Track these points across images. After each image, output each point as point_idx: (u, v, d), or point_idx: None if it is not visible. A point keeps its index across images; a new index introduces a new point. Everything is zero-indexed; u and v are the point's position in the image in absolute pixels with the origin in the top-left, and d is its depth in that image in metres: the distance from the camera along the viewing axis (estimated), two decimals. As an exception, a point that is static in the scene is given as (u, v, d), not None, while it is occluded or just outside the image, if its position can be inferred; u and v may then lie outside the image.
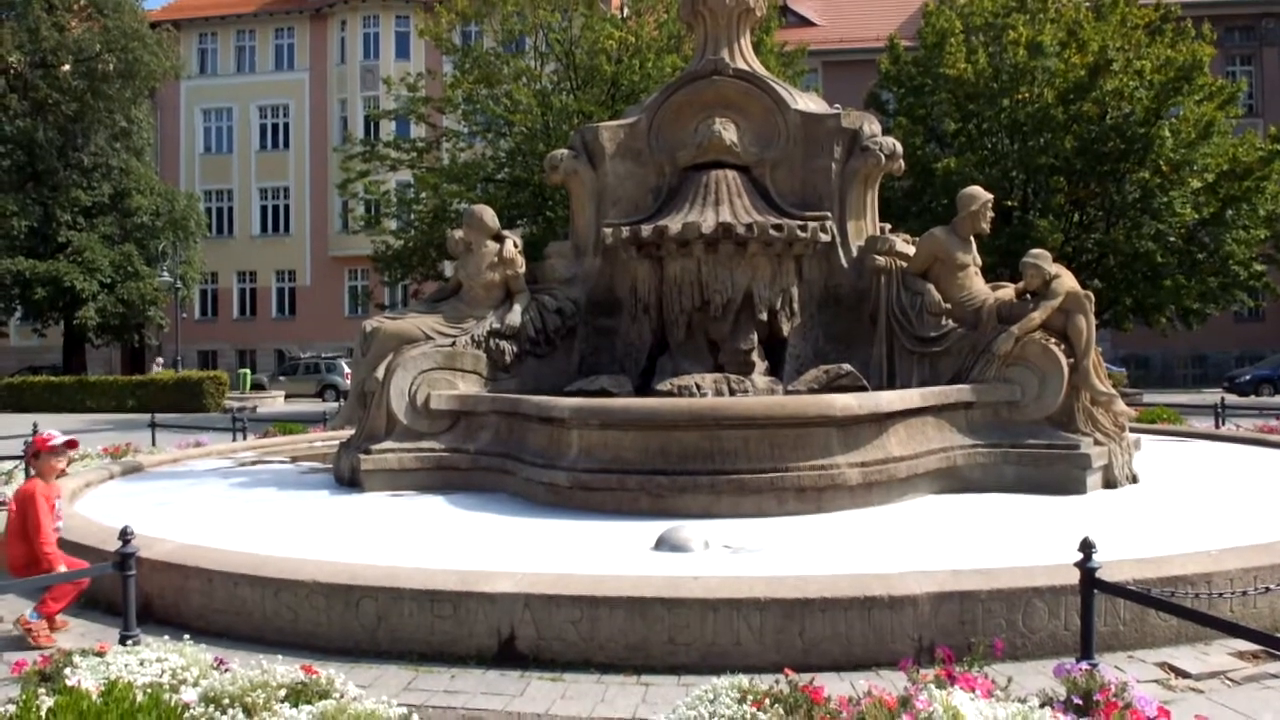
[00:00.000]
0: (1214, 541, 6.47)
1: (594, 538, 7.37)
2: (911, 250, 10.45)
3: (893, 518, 8.11)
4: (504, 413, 9.79)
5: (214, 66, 51.47)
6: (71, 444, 6.92)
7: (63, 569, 6.18)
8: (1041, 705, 4.11)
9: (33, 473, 6.84)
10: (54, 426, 19.63)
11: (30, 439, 6.68)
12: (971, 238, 10.33)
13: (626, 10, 28.07)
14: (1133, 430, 10.89)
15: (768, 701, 4.13)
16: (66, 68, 37.46)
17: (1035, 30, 26.35)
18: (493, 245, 10.72)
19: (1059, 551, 5.73)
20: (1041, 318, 9.51)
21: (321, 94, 49.67)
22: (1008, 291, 10.19)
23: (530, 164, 24.94)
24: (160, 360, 39.94)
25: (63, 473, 6.86)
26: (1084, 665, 4.54)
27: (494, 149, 27.87)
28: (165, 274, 38.46)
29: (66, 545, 7.27)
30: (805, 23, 44.83)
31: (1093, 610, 4.98)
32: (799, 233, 10.11)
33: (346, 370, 34.78)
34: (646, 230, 10.21)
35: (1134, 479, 9.68)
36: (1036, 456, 9.25)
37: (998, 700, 4.09)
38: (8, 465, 12.21)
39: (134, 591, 5.53)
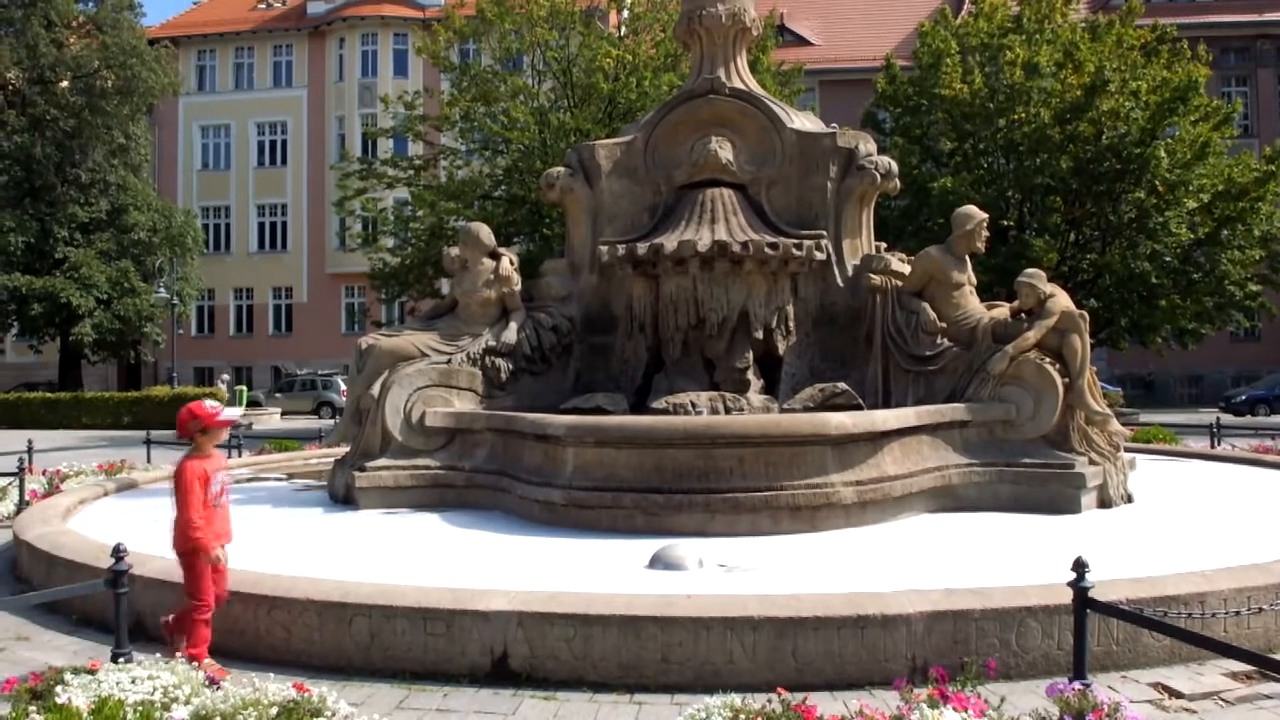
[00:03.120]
0: (1208, 561, 6.47)
1: (588, 556, 7.36)
2: (907, 269, 10.47)
3: (887, 537, 8.10)
4: (499, 430, 9.78)
5: (212, 83, 51.59)
6: (232, 422, 6.21)
7: (219, 555, 5.56)
8: (1034, 725, 4.11)
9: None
10: (49, 443, 19.58)
11: (188, 408, 5.82)
12: (967, 257, 10.36)
13: (624, 29, 28.20)
14: (1128, 450, 10.89)
15: (760, 720, 4.13)
16: (65, 84, 37.56)
17: (1031, 51, 26.50)
18: (489, 263, 10.74)
19: (1053, 571, 5.73)
20: (1036, 337, 9.53)
21: (319, 111, 49.79)
22: (1003, 310, 10.21)
23: (527, 181, 25.00)
24: (175, 376, 39.86)
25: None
26: (1077, 685, 4.54)
27: (491, 166, 27.94)
28: (162, 290, 38.43)
29: (57, 563, 7.27)
30: (802, 42, 45.02)
31: (1085, 630, 4.98)
32: (794, 251, 10.14)
33: (343, 387, 34.72)
34: (642, 248, 10.24)
35: (1129, 498, 9.68)
36: (1031, 475, 9.25)
37: (990, 720, 4.09)
38: (2, 482, 12.16)
39: (126, 609, 5.51)
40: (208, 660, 5.44)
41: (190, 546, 5.53)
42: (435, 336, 10.54)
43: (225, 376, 43.55)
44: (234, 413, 6.24)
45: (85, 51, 37.87)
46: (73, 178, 37.78)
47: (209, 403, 6.02)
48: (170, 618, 5.80)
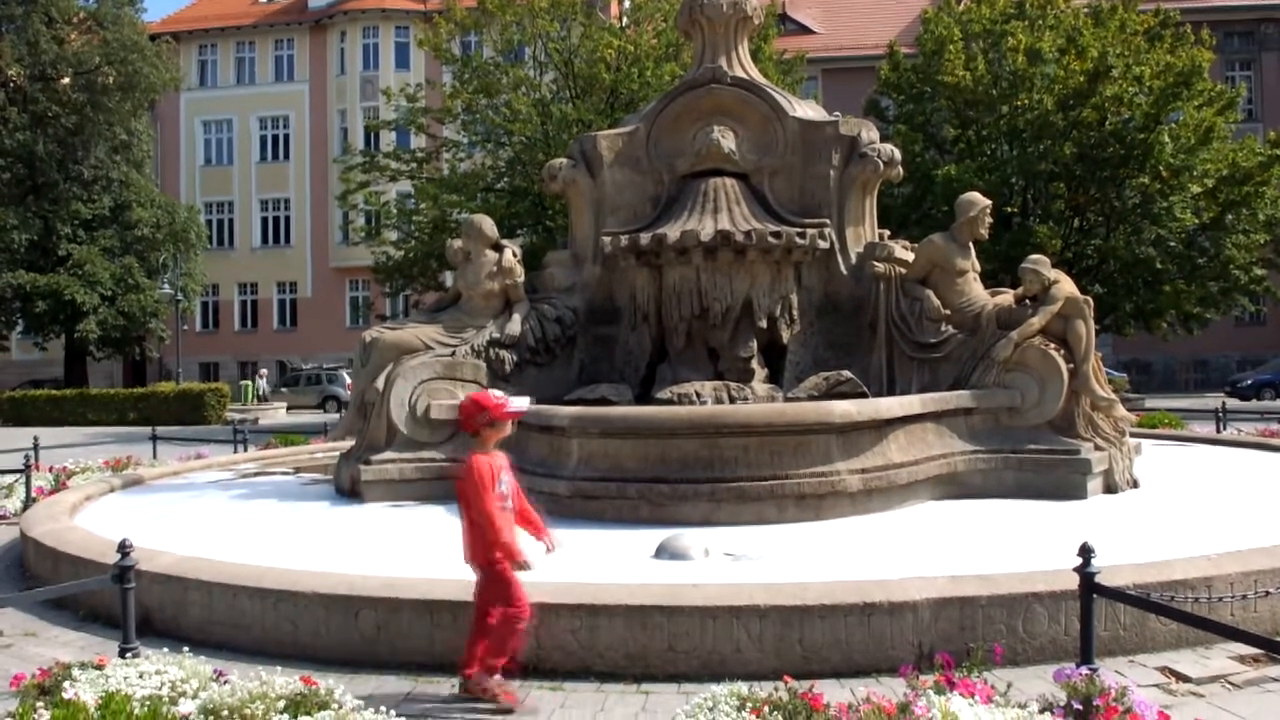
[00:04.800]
0: (1214, 546, 6.45)
1: (594, 546, 7.35)
2: (910, 257, 10.45)
3: (893, 524, 8.10)
4: (504, 422, 9.76)
5: (214, 78, 51.57)
6: (522, 414, 5.61)
7: (528, 563, 5.07)
8: (1041, 710, 4.11)
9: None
10: (55, 440, 19.64)
11: (473, 399, 5.31)
12: (970, 244, 10.33)
13: (625, 19, 28.13)
14: (1133, 435, 10.88)
15: (767, 709, 4.13)
16: (66, 80, 37.54)
17: (1034, 37, 26.39)
18: (492, 255, 10.73)
19: (1059, 557, 5.72)
20: (1041, 323, 9.51)
21: (321, 105, 49.76)
22: (1007, 297, 10.19)
23: (530, 173, 24.97)
24: (180, 372, 39.97)
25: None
26: (1084, 670, 4.53)
27: (493, 159, 27.92)
28: (166, 286, 38.47)
29: (63, 559, 7.29)
30: (804, 30, 44.86)
31: (1092, 615, 4.97)
32: (797, 240, 10.12)
33: (348, 381, 34.79)
34: (645, 238, 10.22)
35: (1135, 484, 9.67)
36: (1037, 462, 9.24)
37: (997, 706, 4.09)
38: (8, 479, 12.20)
39: (133, 604, 5.52)
40: (497, 678, 5.00)
41: (494, 556, 5.02)
42: (439, 329, 10.54)
43: (264, 371, 43.52)
44: (522, 404, 5.60)
45: (86, 48, 37.85)
46: (75, 174, 37.79)
47: (495, 393, 5.50)
48: (472, 671, 5.04)
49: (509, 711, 4.87)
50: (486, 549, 5.03)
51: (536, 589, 5.65)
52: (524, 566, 5.03)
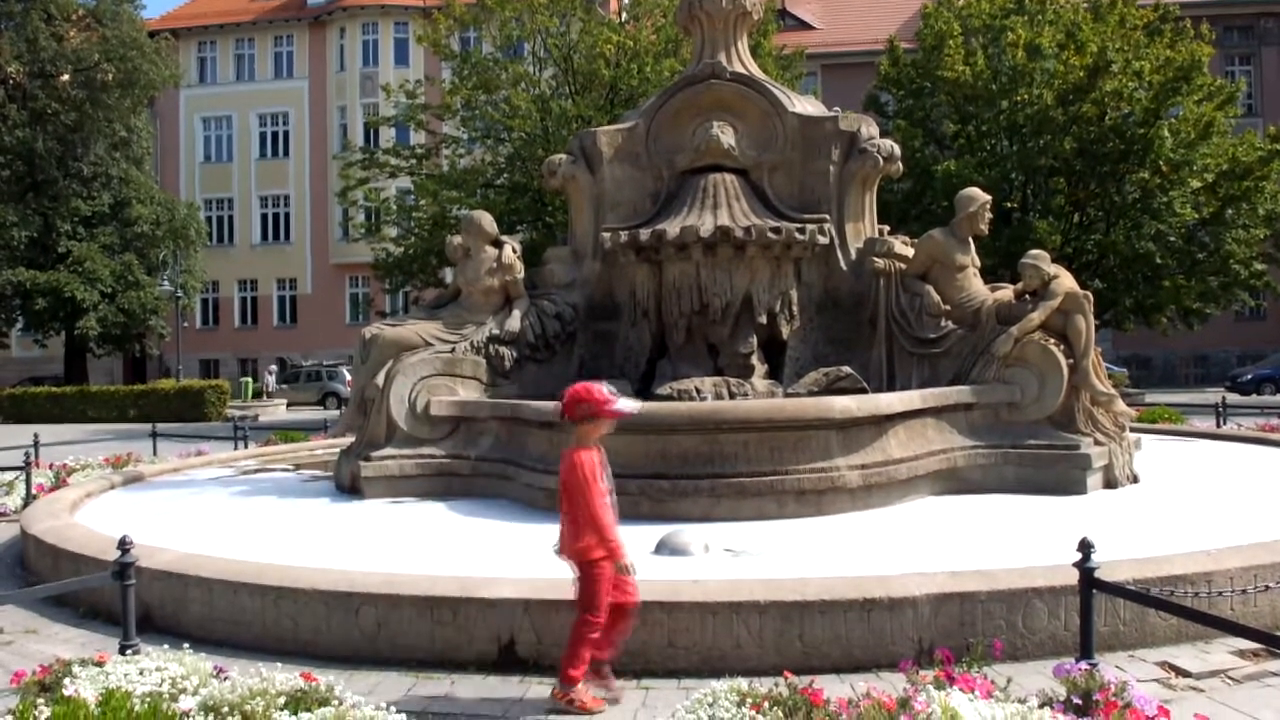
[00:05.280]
0: (1214, 540, 6.46)
1: (594, 542, 7.35)
2: (910, 252, 10.45)
3: (893, 520, 8.10)
4: (504, 418, 9.78)
5: (213, 75, 51.52)
6: (626, 415, 5.32)
7: (630, 565, 4.92)
8: (1041, 705, 4.11)
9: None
10: (55, 437, 19.64)
11: (579, 390, 5.13)
12: (970, 239, 10.33)
13: (624, 15, 28.11)
14: (1133, 430, 10.88)
15: (767, 705, 4.13)
16: (65, 77, 37.49)
17: (1034, 32, 26.38)
18: (491, 251, 10.73)
19: (1059, 552, 5.72)
20: (1040, 318, 9.51)
21: (321, 101, 49.71)
22: (1007, 293, 10.18)
23: (529, 169, 24.97)
24: (180, 369, 39.94)
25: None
26: (1083, 665, 4.53)
27: (493, 155, 27.91)
28: (166, 283, 38.44)
29: (64, 556, 7.30)
30: (803, 26, 44.82)
31: (1092, 610, 4.97)
32: (797, 235, 10.12)
33: (348, 378, 34.79)
34: (645, 234, 10.22)
35: (1135, 479, 9.67)
36: (1037, 457, 9.24)
37: (997, 701, 4.09)
38: (9, 476, 12.20)
39: (133, 601, 5.53)
40: (581, 686, 4.82)
41: (595, 555, 4.86)
42: (439, 325, 10.54)
43: (273, 368, 43.47)
44: (631, 406, 5.43)
45: (85, 45, 37.79)
46: (75, 171, 37.77)
47: (604, 386, 5.31)
48: (563, 692, 4.86)
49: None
50: (585, 545, 4.90)
51: (536, 586, 5.67)
52: (627, 570, 4.91)
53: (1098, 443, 9.36)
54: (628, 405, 5.33)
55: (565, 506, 5.07)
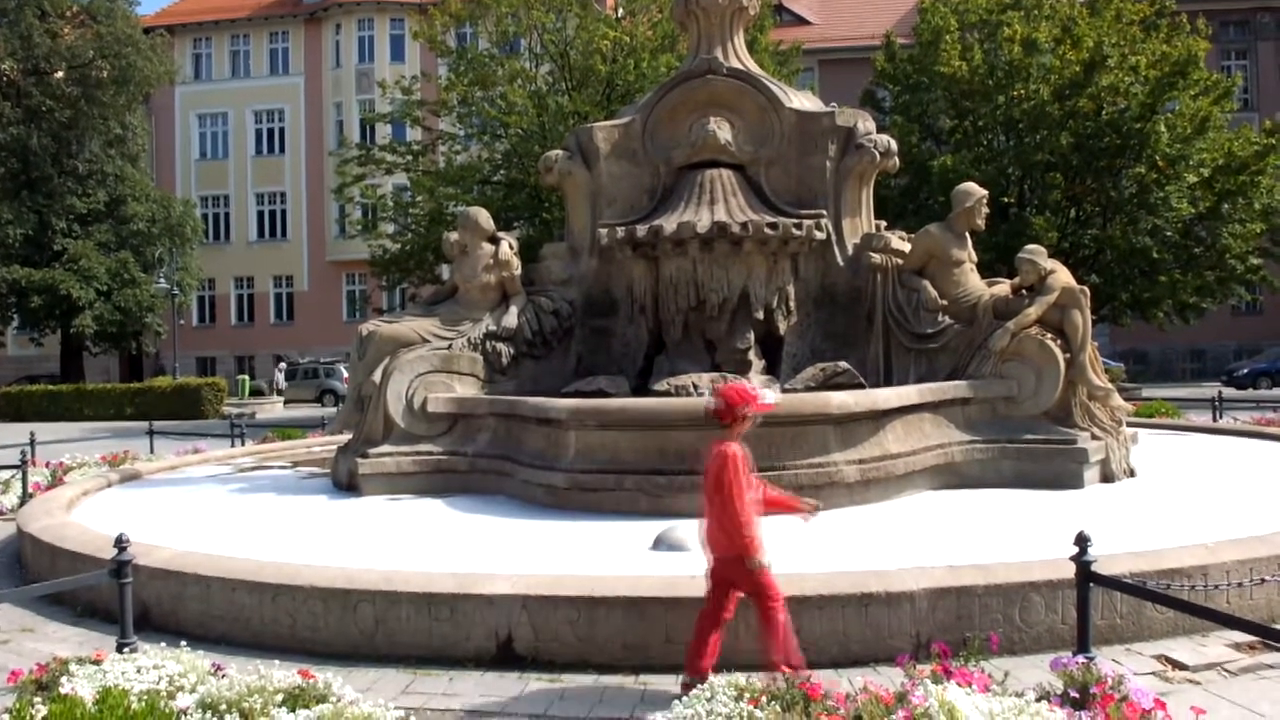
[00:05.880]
0: (1211, 534, 6.47)
1: (592, 538, 7.37)
2: (907, 247, 10.45)
3: (890, 514, 8.11)
4: (501, 415, 9.78)
5: (208, 71, 51.36)
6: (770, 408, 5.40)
7: (764, 562, 4.87)
8: (1038, 699, 4.11)
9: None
10: (52, 435, 19.60)
11: (737, 390, 5.11)
12: (967, 234, 10.34)
13: (620, 10, 28.05)
14: (1130, 424, 10.89)
15: (764, 699, 4.14)
16: (60, 74, 37.39)
17: (1030, 27, 26.35)
18: (488, 247, 10.72)
19: (1056, 546, 5.73)
20: (1037, 313, 9.52)
21: (317, 98, 49.59)
22: (1003, 288, 10.20)
23: (526, 166, 24.92)
24: (177, 367, 39.79)
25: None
26: (1081, 659, 4.55)
27: (490, 151, 27.85)
28: (162, 281, 38.35)
29: (60, 555, 7.28)
30: (800, 21, 44.76)
31: (1089, 604, 4.98)
32: (794, 231, 10.11)
33: (345, 375, 34.75)
34: (642, 230, 10.21)
35: (1131, 473, 9.69)
36: (1034, 451, 9.25)
37: (994, 694, 4.10)
38: (5, 474, 12.18)
39: (130, 599, 5.52)
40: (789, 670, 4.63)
41: (739, 551, 4.89)
42: (436, 322, 10.53)
43: (282, 365, 43.28)
44: (773, 398, 5.51)
45: (80, 41, 37.68)
46: (70, 169, 37.66)
47: (747, 382, 5.41)
48: (707, 664, 4.82)
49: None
50: (730, 545, 4.92)
51: (533, 582, 5.67)
52: (758, 565, 4.87)
53: (1094, 437, 9.38)
54: (771, 397, 5.38)
55: (710, 497, 5.06)
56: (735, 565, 4.90)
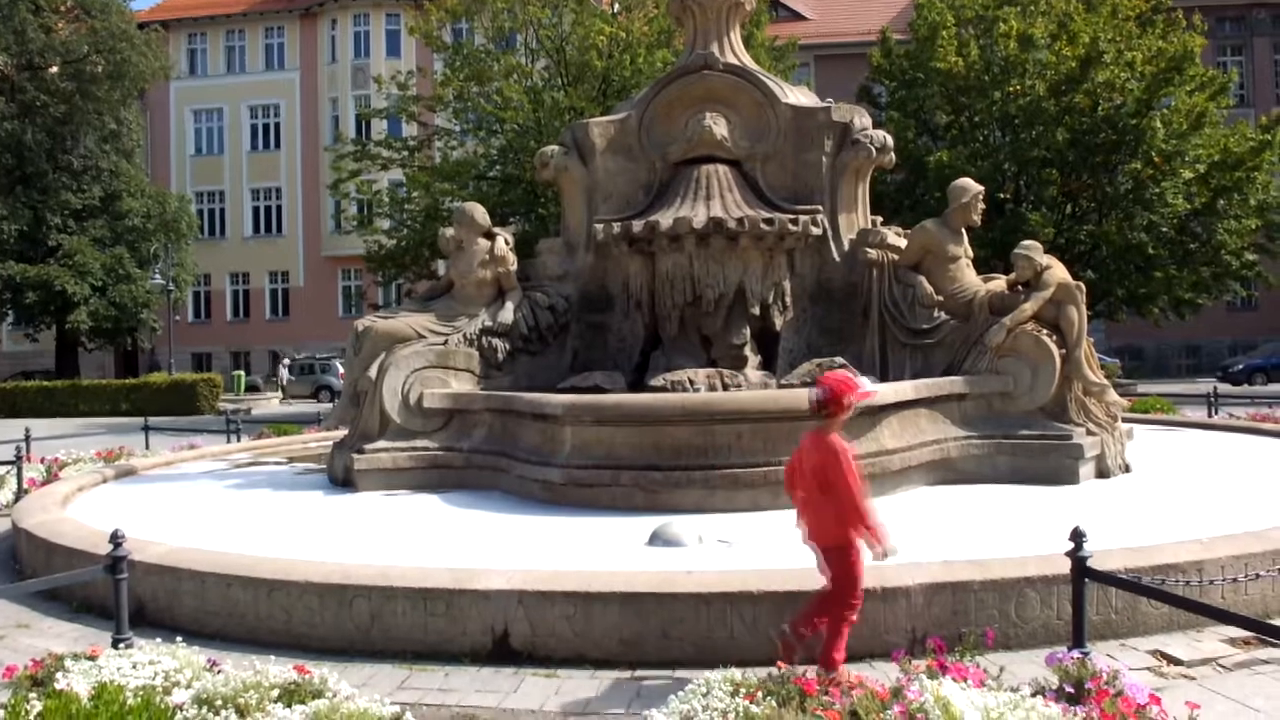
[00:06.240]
0: (1206, 529, 6.48)
1: (588, 534, 7.37)
2: (903, 243, 10.46)
3: (886, 510, 8.04)
4: (497, 410, 9.78)
5: (203, 67, 51.28)
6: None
7: (889, 548, 4.88)
8: (1033, 694, 4.12)
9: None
10: (47, 431, 19.57)
11: (844, 382, 5.05)
12: (963, 230, 10.33)
13: (616, 6, 28.02)
14: (1126, 420, 10.90)
15: (760, 694, 4.14)
16: (54, 69, 37.30)
17: (1026, 23, 26.38)
18: (484, 243, 10.71)
19: (1051, 541, 5.73)
20: (1033, 309, 9.52)
21: (312, 93, 49.54)
22: (999, 283, 10.20)
23: (522, 161, 24.91)
24: (173, 362, 39.63)
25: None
26: (1076, 654, 4.55)
27: (485, 147, 27.84)
28: (157, 276, 38.29)
29: (56, 551, 7.27)
30: (796, 17, 44.75)
31: (1084, 599, 4.99)
32: (790, 226, 10.11)
33: (341, 370, 34.70)
34: (638, 226, 10.21)
35: (1127, 468, 9.70)
36: (1029, 447, 9.26)
37: (989, 689, 4.10)
38: (0, 470, 12.16)
39: (126, 595, 5.51)
40: (843, 669, 4.67)
41: (849, 539, 4.84)
42: (432, 318, 10.52)
43: (286, 361, 43.11)
44: (872, 386, 5.58)
45: (74, 36, 37.58)
46: (65, 164, 37.58)
47: (848, 372, 5.48)
48: (791, 626, 4.92)
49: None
50: (840, 529, 4.86)
51: (529, 577, 5.66)
52: (888, 552, 4.89)
53: (1090, 433, 9.39)
54: (870, 385, 5.36)
55: (815, 492, 4.96)
56: (831, 556, 4.87)
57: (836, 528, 4.85)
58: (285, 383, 41.77)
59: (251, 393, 41.80)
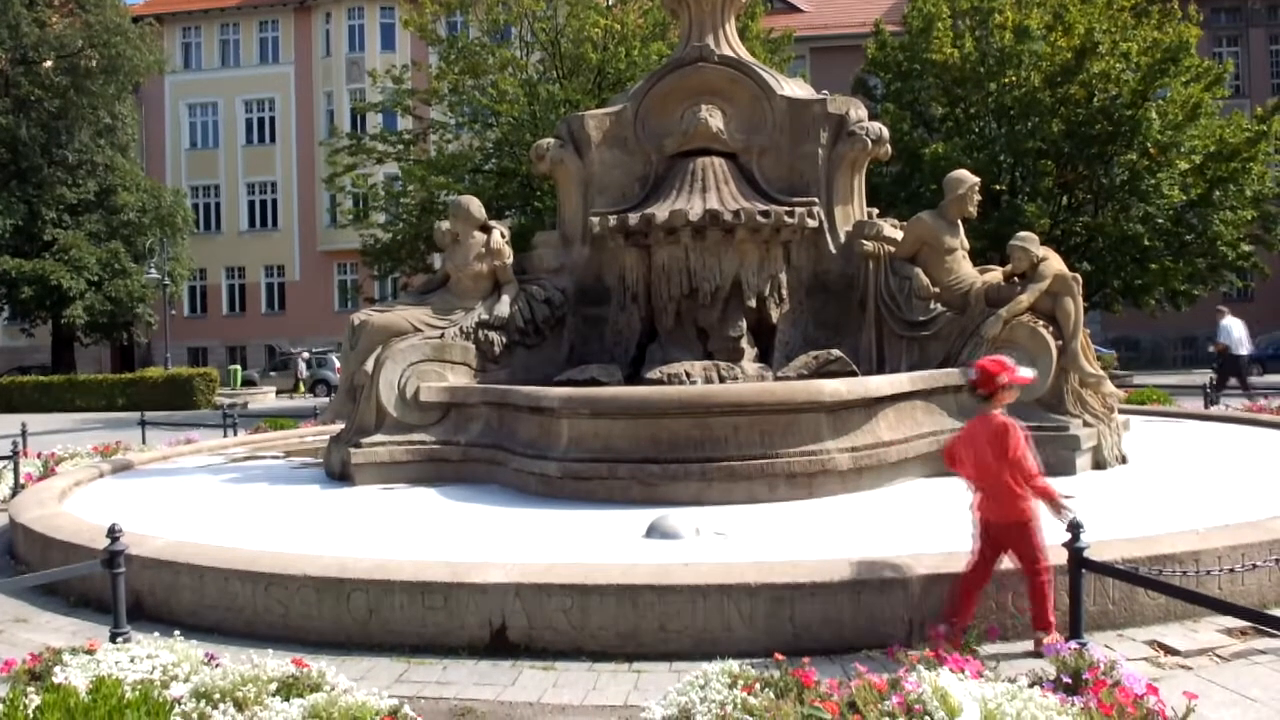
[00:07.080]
0: (1203, 520, 6.49)
1: (585, 527, 7.37)
2: (899, 235, 10.46)
3: (883, 502, 8.12)
4: (494, 404, 9.78)
5: (198, 61, 51.16)
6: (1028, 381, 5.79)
7: (1071, 514, 5.17)
8: (1030, 684, 4.13)
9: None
10: (43, 426, 19.54)
11: (1001, 365, 5.37)
12: (959, 222, 10.33)
13: (611, -2, 27.95)
14: (1122, 411, 10.92)
15: (758, 686, 4.14)
16: (48, 64, 37.13)
17: (1022, 14, 26.31)
18: (480, 236, 10.70)
19: (1048, 532, 5.74)
20: (1029, 300, 9.53)
21: (307, 87, 49.44)
22: (995, 275, 10.20)
23: (518, 154, 24.88)
24: (169, 357, 39.46)
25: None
26: (1073, 644, 4.56)
27: (481, 140, 27.76)
28: (153, 271, 38.23)
29: (53, 545, 7.27)
30: (791, 9, 44.69)
31: (1081, 590, 5.00)
32: (786, 219, 10.10)
33: (337, 365, 34.66)
34: (634, 219, 10.20)
35: (1123, 460, 9.71)
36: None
37: (987, 680, 4.11)
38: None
39: (123, 589, 5.51)
40: (1056, 633, 5.06)
41: (1029, 513, 5.21)
42: (428, 311, 10.51)
43: (305, 355, 42.90)
44: (1029, 372, 5.88)
45: (69, 30, 37.43)
46: (59, 159, 37.48)
47: (1003, 356, 5.81)
48: (948, 622, 5.12)
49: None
50: (1021, 505, 5.21)
51: (527, 570, 5.66)
52: (1070, 518, 5.15)
53: (1086, 424, 9.40)
54: (1027, 372, 5.70)
55: (990, 472, 5.29)
56: (1012, 531, 5.22)
57: (1017, 504, 5.22)
58: (303, 375, 41.54)
59: (248, 387, 41.73)
